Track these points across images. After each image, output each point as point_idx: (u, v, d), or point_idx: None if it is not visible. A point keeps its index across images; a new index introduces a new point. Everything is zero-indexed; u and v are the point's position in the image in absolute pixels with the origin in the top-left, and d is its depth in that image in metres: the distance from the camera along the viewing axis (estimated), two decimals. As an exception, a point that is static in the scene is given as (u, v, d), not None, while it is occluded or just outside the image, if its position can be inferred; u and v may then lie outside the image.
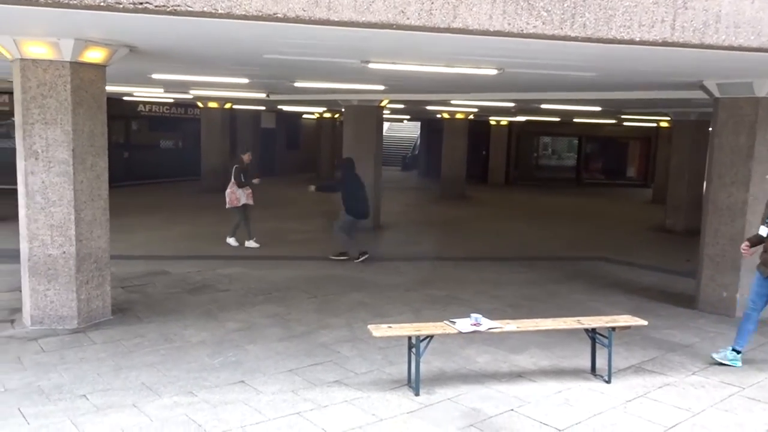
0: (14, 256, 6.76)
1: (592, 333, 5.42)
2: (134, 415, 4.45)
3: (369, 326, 5.11)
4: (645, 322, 5.51)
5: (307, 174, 25.73)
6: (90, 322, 6.36)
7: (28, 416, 4.38)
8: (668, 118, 17.43)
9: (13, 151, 6.36)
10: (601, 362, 5.47)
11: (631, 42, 4.54)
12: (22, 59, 5.87)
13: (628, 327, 5.52)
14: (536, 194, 22.14)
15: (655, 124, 22.79)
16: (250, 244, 10.74)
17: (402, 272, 9.29)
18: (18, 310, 6.64)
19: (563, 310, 7.22)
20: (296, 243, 11.46)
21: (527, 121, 24.41)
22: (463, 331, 4.98)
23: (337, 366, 5.48)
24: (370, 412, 4.59)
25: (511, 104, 14.57)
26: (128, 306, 7.07)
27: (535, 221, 15.38)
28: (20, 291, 6.63)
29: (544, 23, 4.34)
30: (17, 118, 6.12)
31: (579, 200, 20.94)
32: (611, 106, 14.44)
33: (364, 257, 9.91)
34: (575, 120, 22.86)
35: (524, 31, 4.34)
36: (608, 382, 5.29)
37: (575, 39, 4.46)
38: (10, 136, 15.54)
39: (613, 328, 5.32)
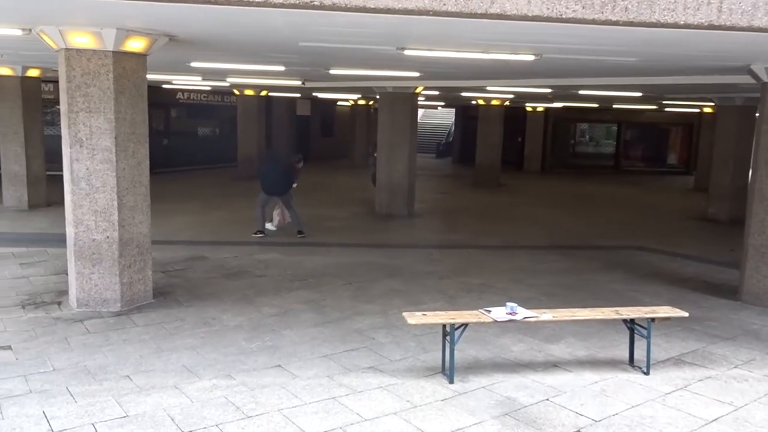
0: (61, 240, 6.98)
1: (631, 323, 5.33)
2: (175, 395, 4.57)
3: (404, 313, 5.12)
4: (686, 314, 5.39)
5: (342, 161, 25.83)
6: (132, 305, 6.54)
7: (76, 395, 4.54)
8: (712, 104, 16.89)
9: (58, 138, 6.55)
10: (639, 353, 5.38)
11: (675, 25, 4.40)
12: (66, 49, 6.01)
13: (668, 318, 5.41)
14: (573, 182, 21.78)
15: (698, 110, 22.11)
16: (269, 226, 10.93)
17: (436, 260, 9.27)
18: (65, 292, 6.87)
19: (600, 300, 7.11)
20: (331, 230, 11.54)
21: (564, 108, 23.95)
22: (499, 319, 4.96)
23: (371, 352, 5.53)
24: (405, 399, 4.62)
25: (548, 90, 14.31)
26: (169, 290, 7.24)
27: (571, 209, 15.15)
28: (66, 274, 6.85)
29: (584, 7, 4.24)
30: (62, 107, 6.29)
31: (617, 188, 20.52)
32: (652, 91, 14.06)
33: (259, 235, 10.42)
34: (614, 106, 22.35)
35: (564, 16, 4.25)
36: (646, 373, 5.20)
37: (616, 23, 4.35)
38: (55, 123, 16.00)
39: (653, 319, 5.22)
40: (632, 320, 5.31)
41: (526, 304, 5.61)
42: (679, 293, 7.80)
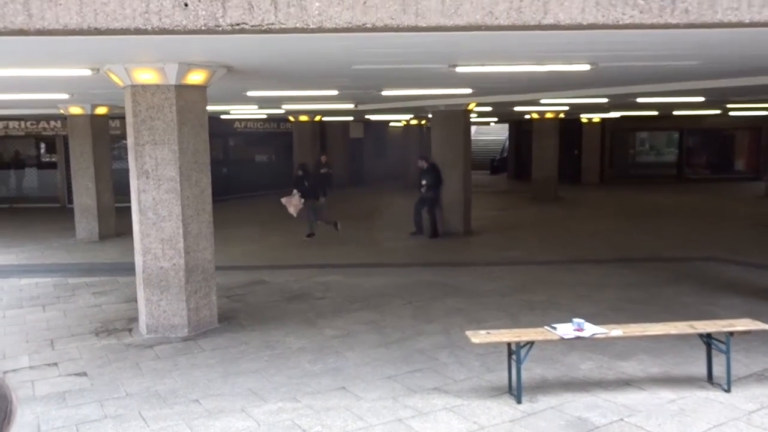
0: (130, 269, 7.24)
1: (707, 338, 5.06)
2: (243, 419, 4.62)
3: (467, 332, 5.04)
4: (767, 326, 5.08)
5: (396, 182, 25.93)
6: (199, 330, 6.69)
7: (148, 419, 4.65)
8: (781, 105, 16.08)
9: (125, 171, 6.83)
10: (717, 370, 5.10)
11: (740, 25, 4.21)
12: (132, 85, 6.30)
13: (748, 332, 5.11)
14: (634, 193, 21.12)
15: (766, 113, 21.11)
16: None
17: (496, 277, 9.12)
18: (135, 319, 7.10)
19: (671, 314, 6.80)
20: (389, 250, 11.55)
21: (622, 117, 23.35)
22: (565, 336, 4.81)
23: (435, 373, 5.45)
24: (472, 420, 4.51)
25: (605, 100, 13.99)
26: (232, 314, 7.38)
27: (634, 221, 14.66)
28: (136, 302, 7.09)
29: (641, 12, 4.12)
30: (129, 140, 6.57)
31: (682, 197, 19.74)
32: (716, 95, 13.51)
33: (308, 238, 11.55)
34: (675, 113, 21.61)
35: (620, 23, 4.14)
36: (727, 391, 4.91)
37: (677, 26, 4.20)
38: (122, 157, 16.75)
39: (731, 333, 4.95)
40: (709, 335, 5.05)
41: (594, 320, 5.42)
42: (757, 305, 7.37)
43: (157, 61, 6.03)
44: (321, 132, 22.14)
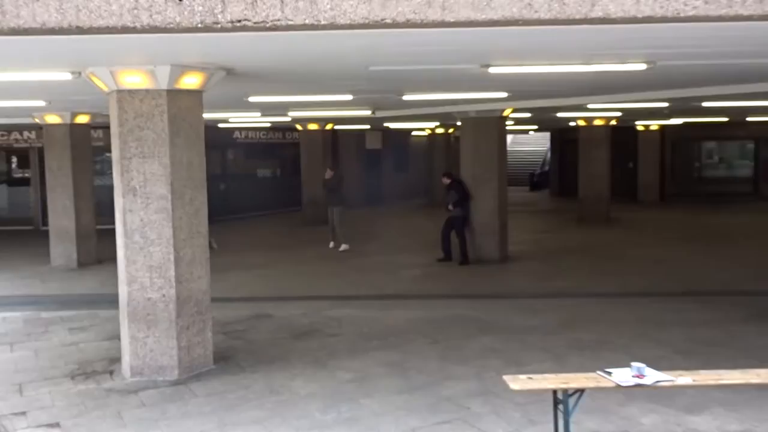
0: (113, 301, 7.32)
1: (793, 386, 4.95)
2: (241, 477, 4.61)
3: (504, 377, 4.99)
4: None
5: (419, 199, 25.97)
6: (191, 373, 6.71)
7: (132, 477, 4.66)
8: None
9: (109, 188, 6.94)
10: (807, 424, 4.98)
11: (826, 15, 4.19)
12: (118, 91, 6.43)
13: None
14: (701, 213, 20.90)
15: None
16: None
17: (539, 312, 9.05)
18: (117, 359, 7.16)
19: (752, 359, 6.64)
20: (412, 279, 11.53)
21: (685, 124, 23.20)
22: (623, 384, 4.73)
23: (467, 425, 5.41)
24: (511, 481, 4.46)
25: (665, 104, 13.93)
26: (230, 354, 7.40)
27: (702, 247, 14.49)
28: (119, 339, 7.15)
29: (706, 2, 4.12)
30: (114, 153, 6.69)
31: (760, 218, 19.47)
32: (797, 98, 13.39)
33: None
34: (749, 119, 21.41)
35: (681, 14, 4.14)
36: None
37: (749, 18, 4.19)
38: (105, 172, 17.01)
39: (822, 380, 4.83)
40: (794, 382, 4.93)
41: (657, 364, 5.32)
42: None
43: (146, 62, 6.15)
44: (333, 142, 22.31)
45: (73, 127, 13.03)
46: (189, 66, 6.29)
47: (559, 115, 17.54)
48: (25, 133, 19.45)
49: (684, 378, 4.86)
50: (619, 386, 4.74)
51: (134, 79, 6.34)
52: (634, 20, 4.18)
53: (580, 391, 4.76)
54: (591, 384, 4.76)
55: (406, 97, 10.73)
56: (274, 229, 19.09)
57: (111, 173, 6.92)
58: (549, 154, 33.20)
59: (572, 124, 21.17)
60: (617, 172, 22.61)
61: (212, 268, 7.13)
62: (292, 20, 4.09)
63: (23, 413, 5.89)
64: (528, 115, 16.65)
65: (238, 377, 6.65)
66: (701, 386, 5.19)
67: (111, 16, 3.94)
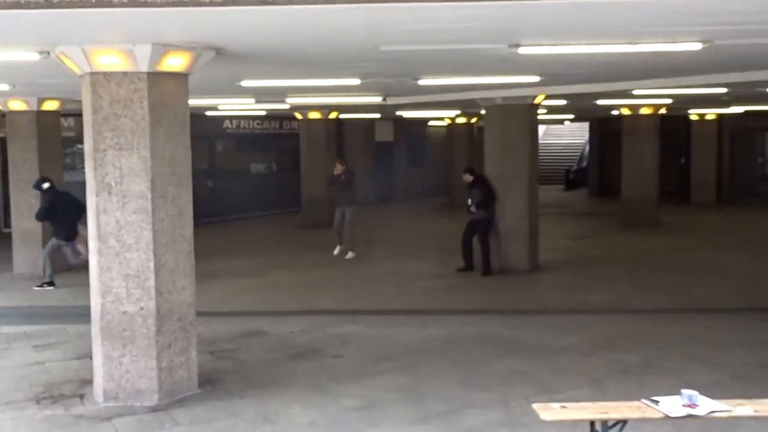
0: (84, 314, 7.36)
1: None
2: None
3: (533, 405, 5.00)
4: None
5: (437, 198, 25.99)
6: (173, 398, 6.73)
7: None
8: None
9: (81, 185, 6.98)
10: None
11: None
12: (92, 73, 6.46)
13: None
14: (764, 217, 20.79)
15: None
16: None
17: (574, 330, 9.04)
18: (88, 382, 7.19)
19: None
20: (427, 292, 11.53)
21: (746, 113, 23.11)
22: (672, 414, 4.73)
23: (490, 460, 5.41)
24: None
25: (723, 90, 13.88)
26: (218, 376, 7.43)
27: (766, 255, 14.41)
28: (91, 358, 7.19)
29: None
30: (87, 145, 6.73)
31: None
32: None
33: (48, 287, 11.90)
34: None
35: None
36: None
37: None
38: (76, 167, 17.11)
39: None
40: None
41: (711, 392, 5.32)
42: None
43: (124, 41, 6.18)
44: (338, 133, 22.37)
45: (40, 115, 13.13)
46: (173, 45, 6.31)
47: (600, 102, 17.51)
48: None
49: (743, 408, 4.84)
50: (667, 417, 4.74)
51: (110, 60, 6.36)
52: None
53: (622, 422, 4.76)
54: (635, 414, 4.75)
55: (422, 82, 10.73)
56: (270, 232, 19.15)
57: (83, 168, 6.95)
58: (587, 148, 33.17)
59: (615, 113, 21.14)
60: (667, 169, 22.55)
61: (198, 276, 7.16)
62: (290, -7, 4.12)
63: (-19, 442, 5.94)
64: (563, 102, 16.63)
65: (225, 403, 6.67)
66: (764, 417, 5.17)
67: (84, -13, 3.98)
